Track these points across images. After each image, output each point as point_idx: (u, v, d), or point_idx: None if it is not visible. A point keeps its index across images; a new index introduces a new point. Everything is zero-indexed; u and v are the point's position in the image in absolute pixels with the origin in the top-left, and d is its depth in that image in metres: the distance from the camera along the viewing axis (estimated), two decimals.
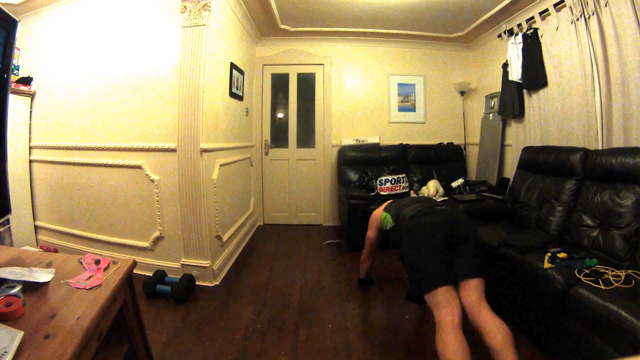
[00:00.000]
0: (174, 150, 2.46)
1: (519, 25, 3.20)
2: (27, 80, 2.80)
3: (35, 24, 2.87)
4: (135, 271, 1.16)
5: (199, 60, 2.38)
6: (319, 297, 2.38)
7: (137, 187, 2.60)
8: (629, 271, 1.56)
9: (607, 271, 1.57)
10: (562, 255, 1.71)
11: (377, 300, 2.40)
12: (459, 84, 4.23)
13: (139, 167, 2.56)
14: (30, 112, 2.89)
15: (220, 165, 2.80)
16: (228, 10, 2.92)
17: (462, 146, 4.26)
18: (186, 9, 2.39)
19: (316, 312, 2.18)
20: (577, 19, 2.51)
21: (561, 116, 2.77)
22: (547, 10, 2.82)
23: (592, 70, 2.43)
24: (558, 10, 2.74)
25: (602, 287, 1.45)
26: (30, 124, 2.90)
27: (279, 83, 4.32)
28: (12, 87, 2.65)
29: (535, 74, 2.98)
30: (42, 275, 0.97)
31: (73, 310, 0.85)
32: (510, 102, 3.33)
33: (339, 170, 4.04)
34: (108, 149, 2.65)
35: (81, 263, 1.11)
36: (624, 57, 2.21)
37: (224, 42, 2.87)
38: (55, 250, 2.20)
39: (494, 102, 3.75)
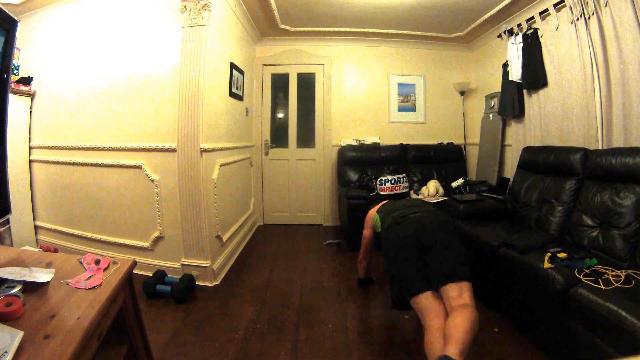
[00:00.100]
0: (174, 150, 2.46)
1: (519, 25, 3.20)
2: (27, 80, 2.80)
3: (35, 24, 2.87)
4: (135, 271, 1.16)
5: (199, 60, 2.38)
6: (319, 297, 2.39)
7: (137, 187, 2.60)
8: (629, 271, 1.56)
9: (607, 271, 1.57)
10: (562, 255, 1.71)
11: (377, 300, 2.40)
12: (459, 84, 4.23)
13: (139, 167, 2.56)
14: (30, 112, 2.89)
15: (220, 165, 2.80)
16: (228, 10, 2.92)
17: (462, 146, 4.26)
18: (186, 9, 2.39)
19: (316, 312, 2.18)
20: (577, 19, 2.51)
21: (561, 116, 2.77)
22: (547, 10, 2.82)
23: (592, 70, 2.43)
24: (558, 11, 2.74)
25: (602, 287, 1.45)
26: (30, 124, 2.90)
27: (279, 83, 4.32)
28: (12, 87, 2.65)
29: (535, 74, 2.98)
30: (42, 275, 0.97)
31: (73, 310, 0.85)
32: (510, 102, 3.33)
33: (339, 170, 4.04)
34: (108, 149, 2.65)
35: (81, 263, 1.11)
36: (624, 57, 2.21)
37: (224, 42, 2.87)
38: (55, 250, 2.20)
39: (494, 102, 3.75)
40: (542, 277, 1.67)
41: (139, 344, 1.21)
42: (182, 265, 2.53)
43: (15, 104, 2.72)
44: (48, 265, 1.08)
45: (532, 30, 3.02)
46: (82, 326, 0.79)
